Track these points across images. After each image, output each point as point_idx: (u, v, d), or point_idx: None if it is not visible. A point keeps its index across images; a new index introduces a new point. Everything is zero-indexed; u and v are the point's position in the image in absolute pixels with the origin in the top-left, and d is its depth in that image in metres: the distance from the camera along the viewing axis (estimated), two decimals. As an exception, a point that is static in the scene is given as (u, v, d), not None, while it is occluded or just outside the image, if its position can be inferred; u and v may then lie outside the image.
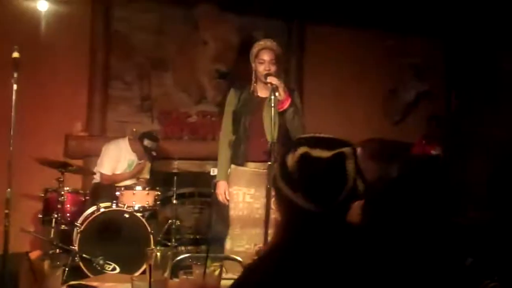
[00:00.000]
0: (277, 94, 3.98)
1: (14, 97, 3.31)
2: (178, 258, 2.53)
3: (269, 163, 3.97)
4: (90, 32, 6.71)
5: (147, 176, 6.11)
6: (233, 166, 4.28)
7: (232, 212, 4.24)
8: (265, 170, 4.15)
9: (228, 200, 4.28)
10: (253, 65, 4.25)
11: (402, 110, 8.23)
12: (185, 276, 1.85)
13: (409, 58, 8.09)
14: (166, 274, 1.99)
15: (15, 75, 3.31)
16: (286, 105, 4.11)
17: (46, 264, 1.71)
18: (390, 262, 1.52)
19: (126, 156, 5.89)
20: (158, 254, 2.05)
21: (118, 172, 5.85)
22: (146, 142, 5.78)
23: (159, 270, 1.97)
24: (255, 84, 4.30)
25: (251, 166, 4.21)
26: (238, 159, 4.25)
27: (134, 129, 6.65)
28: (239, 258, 2.80)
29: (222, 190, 4.32)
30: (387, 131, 7.61)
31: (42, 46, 6.18)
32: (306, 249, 1.47)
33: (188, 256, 2.57)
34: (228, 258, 3.07)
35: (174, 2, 6.94)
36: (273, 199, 4.07)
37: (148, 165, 6.11)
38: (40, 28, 6.32)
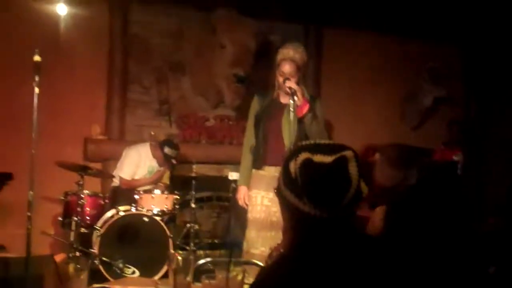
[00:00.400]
0: (295, 98, 4.00)
1: (36, 100, 3.33)
2: (200, 262, 2.53)
3: None
4: (109, 36, 6.76)
5: (167, 182, 6.14)
6: (254, 170, 4.36)
7: (249, 215, 4.30)
8: None
9: (247, 205, 4.32)
10: (276, 71, 4.28)
11: (419, 115, 8.17)
12: (207, 281, 1.85)
13: (427, 63, 8.04)
14: (189, 278, 1.99)
15: (37, 78, 3.33)
16: (305, 110, 4.13)
17: (71, 267, 1.73)
18: (407, 268, 1.51)
19: (146, 162, 5.92)
20: (180, 258, 2.04)
21: (137, 177, 5.87)
22: (167, 149, 5.80)
23: (181, 274, 1.97)
24: (278, 91, 4.33)
25: (270, 170, 4.25)
26: (257, 163, 4.33)
27: (153, 133, 6.67)
28: (260, 263, 2.80)
29: (242, 195, 4.40)
30: (405, 136, 7.56)
31: (60, 49, 6.22)
32: (315, 254, 1.47)
33: (210, 261, 2.57)
34: (249, 262, 3.08)
35: (192, 6, 6.96)
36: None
37: (167, 172, 6.13)
38: (59, 31, 6.36)
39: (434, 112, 8.14)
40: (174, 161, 5.87)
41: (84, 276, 1.66)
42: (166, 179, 6.14)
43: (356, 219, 1.56)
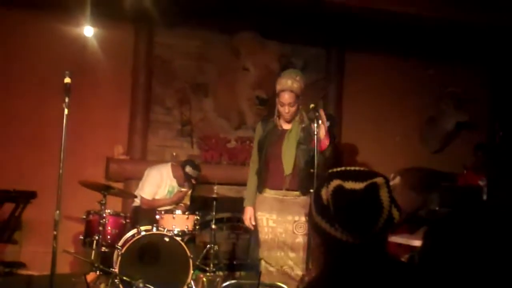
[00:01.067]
0: (320, 122, 4.04)
1: (65, 121, 3.39)
2: (225, 284, 2.54)
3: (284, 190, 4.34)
4: (133, 57, 6.86)
5: (188, 203, 6.17)
6: (258, 193, 4.49)
7: (260, 236, 4.44)
8: (286, 197, 4.36)
9: (253, 226, 4.50)
10: (276, 99, 4.38)
11: (441, 140, 8.14)
12: (235, 303, 1.86)
13: (450, 87, 8.02)
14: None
15: (67, 99, 3.39)
16: (326, 145, 4.19)
17: (102, 286, 1.75)
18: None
19: (167, 182, 5.96)
20: (205, 279, 2.05)
21: (158, 197, 5.91)
22: (188, 169, 5.87)
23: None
24: (277, 118, 4.42)
25: (271, 193, 4.39)
26: (259, 186, 4.46)
27: (174, 153, 6.74)
28: (285, 287, 2.81)
29: (247, 216, 4.54)
30: (426, 160, 7.55)
31: (85, 70, 6.31)
32: (347, 279, 1.48)
33: (235, 283, 2.58)
34: (274, 285, 3.09)
35: (216, 29, 7.04)
36: (295, 225, 4.30)
37: (189, 192, 6.17)
38: (85, 53, 6.46)
39: (455, 136, 8.11)
40: (193, 181, 5.94)
41: (114, 296, 1.69)
42: (187, 200, 6.17)
43: (387, 244, 1.57)
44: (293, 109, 4.33)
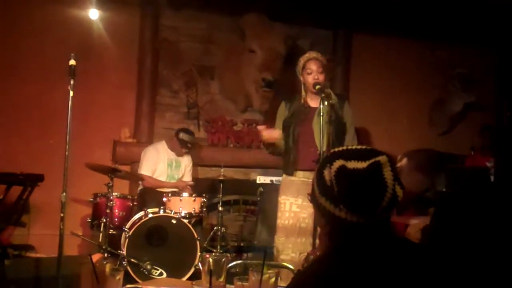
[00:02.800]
0: (325, 102, 4.00)
1: (70, 103, 3.39)
2: (231, 264, 2.54)
3: None
4: (139, 40, 6.84)
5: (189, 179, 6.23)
6: (283, 176, 4.35)
7: (278, 221, 4.27)
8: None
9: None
10: (300, 77, 4.33)
11: (449, 121, 8.11)
12: (240, 283, 1.86)
13: (457, 69, 7.97)
14: (222, 280, 2.01)
15: (72, 82, 3.38)
16: None
17: (108, 267, 1.75)
18: (445, 272, 1.51)
19: (165, 156, 6.03)
20: (211, 260, 2.06)
21: (159, 173, 5.97)
22: (181, 135, 6.02)
23: (214, 276, 1.98)
24: (304, 95, 4.33)
25: (300, 176, 4.24)
26: (287, 168, 4.30)
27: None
28: (291, 266, 2.81)
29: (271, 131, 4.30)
30: (433, 142, 7.52)
31: (91, 53, 6.31)
32: (352, 258, 1.48)
33: (241, 263, 2.58)
34: (281, 266, 3.07)
35: (222, 11, 7.01)
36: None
37: (190, 169, 6.25)
38: (91, 36, 6.46)
39: (463, 118, 8.08)
40: (189, 145, 6.09)
41: (120, 276, 1.68)
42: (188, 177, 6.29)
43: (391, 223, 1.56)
44: (321, 76, 4.24)
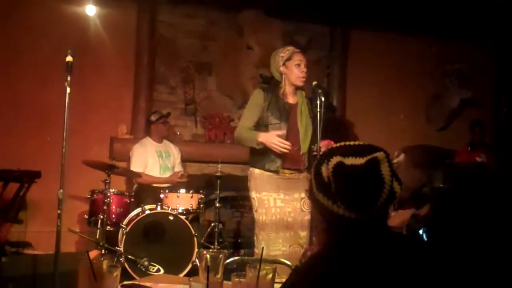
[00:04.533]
0: (323, 98, 3.97)
1: (67, 100, 3.38)
2: (229, 260, 2.54)
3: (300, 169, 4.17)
4: (136, 36, 6.83)
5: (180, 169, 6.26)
6: (257, 171, 4.20)
7: (265, 218, 4.17)
8: (292, 175, 4.19)
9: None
10: (281, 69, 4.21)
11: (446, 117, 8.12)
12: (237, 279, 1.86)
13: (455, 65, 7.98)
14: (219, 276, 2.00)
15: (69, 78, 3.37)
16: None
17: (105, 263, 1.75)
18: (442, 266, 1.51)
19: (153, 149, 6.07)
20: (209, 256, 2.05)
21: (152, 166, 6.00)
22: (152, 117, 6.21)
23: (211, 272, 1.98)
24: (284, 89, 4.25)
25: (285, 172, 4.19)
26: (269, 165, 4.15)
27: (178, 133, 6.74)
28: (288, 262, 2.80)
29: (271, 137, 4.02)
30: (431, 137, 7.52)
31: (88, 49, 6.29)
32: (350, 253, 1.48)
33: (238, 259, 2.58)
34: (277, 262, 3.07)
35: (219, 7, 7.00)
36: (302, 202, 4.15)
37: (179, 161, 6.31)
38: (87, 32, 6.45)
39: (460, 113, 8.08)
40: (166, 118, 6.29)
41: (117, 273, 1.68)
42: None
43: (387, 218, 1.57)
44: (305, 70, 4.16)
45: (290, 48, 4.27)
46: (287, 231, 4.18)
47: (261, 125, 4.19)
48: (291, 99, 4.25)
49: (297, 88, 4.15)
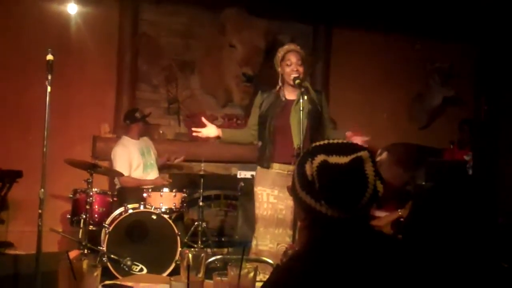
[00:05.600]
0: (305, 97, 4.01)
1: (48, 99, 3.35)
2: (211, 259, 2.54)
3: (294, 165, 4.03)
4: (118, 35, 6.80)
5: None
6: (258, 167, 4.32)
7: (257, 212, 4.26)
8: (289, 172, 4.17)
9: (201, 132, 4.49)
10: (278, 69, 4.29)
11: (428, 115, 8.17)
12: (219, 278, 1.85)
13: (436, 63, 8.03)
14: (200, 275, 2.00)
15: (49, 77, 3.34)
16: None
17: (85, 263, 1.74)
18: (423, 265, 1.52)
19: (134, 148, 6.00)
20: (190, 255, 2.05)
21: (136, 165, 5.94)
22: (137, 114, 6.14)
23: (193, 271, 1.98)
24: (282, 88, 4.32)
25: (275, 168, 4.23)
26: (263, 161, 4.26)
27: (161, 131, 6.72)
28: (270, 261, 2.80)
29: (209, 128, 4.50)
30: (413, 136, 7.56)
31: (70, 48, 6.26)
32: (332, 252, 1.48)
33: (221, 258, 2.58)
34: (260, 260, 3.08)
35: (202, 6, 6.99)
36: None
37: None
38: (69, 30, 6.40)
39: (442, 112, 8.13)
40: (146, 116, 6.21)
41: (97, 273, 1.67)
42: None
43: (370, 218, 1.57)
44: (301, 68, 4.20)
45: (284, 48, 4.31)
46: (276, 228, 4.20)
47: (261, 125, 4.33)
48: (289, 96, 4.30)
49: (300, 86, 4.14)
